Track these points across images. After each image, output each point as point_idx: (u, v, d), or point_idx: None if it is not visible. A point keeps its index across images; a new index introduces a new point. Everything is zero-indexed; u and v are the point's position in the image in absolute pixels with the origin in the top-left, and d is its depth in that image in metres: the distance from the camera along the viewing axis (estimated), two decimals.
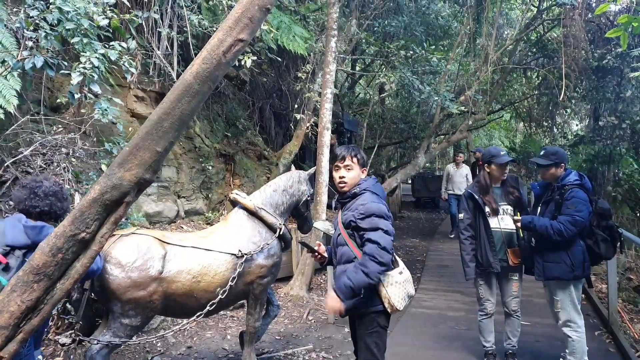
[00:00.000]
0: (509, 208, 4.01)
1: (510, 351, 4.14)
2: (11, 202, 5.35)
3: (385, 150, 17.08)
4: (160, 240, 3.37)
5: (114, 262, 3.12)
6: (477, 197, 4.00)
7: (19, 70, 3.62)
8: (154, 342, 4.55)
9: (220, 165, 8.54)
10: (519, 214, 3.92)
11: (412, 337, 4.89)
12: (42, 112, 5.57)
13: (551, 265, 3.64)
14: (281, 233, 3.86)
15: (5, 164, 5.04)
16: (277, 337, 5.00)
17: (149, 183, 1.93)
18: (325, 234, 5.44)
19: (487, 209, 3.97)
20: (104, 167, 5.07)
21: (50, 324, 3.19)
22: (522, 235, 3.91)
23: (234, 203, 3.99)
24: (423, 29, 9.25)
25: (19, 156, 5.17)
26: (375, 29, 9.28)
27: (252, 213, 3.86)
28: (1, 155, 4.95)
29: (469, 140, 16.44)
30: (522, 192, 4.07)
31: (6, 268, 2.28)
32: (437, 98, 7.78)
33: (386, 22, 9.01)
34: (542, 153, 3.89)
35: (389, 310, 2.69)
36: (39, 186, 2.54)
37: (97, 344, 3.07)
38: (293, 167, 4.66)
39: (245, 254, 3.57)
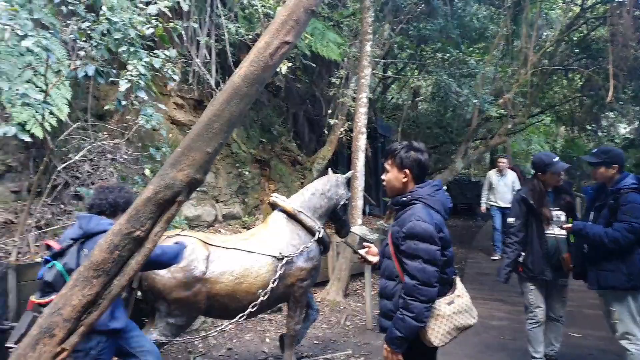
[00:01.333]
0: (561, 214, 3.88)
1: (553, 357, 4.02)
2: (62, 205, 5.60)
3: None
4: (203, 242, 3.45)
5: None
6: (531, 202, 3.87)
7: (71, 79, 3.78)
8: (196, 342, 4.64)
9: (256, 170, 8.66)
10: (570, 220, 3.79)
11: (455, 345, 4.70)
12: (89, 120, 5.81)
13: (606, 273, 3.43)
14: (320, 236, 3.88)
15: (57, 170, 5.27)
16: (315, 342, 5.01)
17: (199, 183, 1.98)
18: (361, 239, 5.44)
19: (542, 218, 3.84)
20: (147, 172, 5.22)
21: None
22: (573, 240, 3.77)
23: (273, 206, 4.04)
24: (459, 32, 9.15)
25: (69, 162, 5.39)
26: (409, 32, 9.24)
27: (291, 216, 3.90)
28: (53, 160, 5.18)
29: (507, 145, 16.07)
30: (573, 197, 3.95)
31: (61, 253, 2.59)
32: (475, 101, 7.65)
33: (421, 26, 8.96)
34: (594, 151, 3.77)
35: (431, 344, 2.31)
36: (107, 186, 2.95)
37: None
38: (330, 171, 4.68)
39: (286, 257, 3.61)
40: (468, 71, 8.05)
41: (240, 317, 3.43)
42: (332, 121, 8.57)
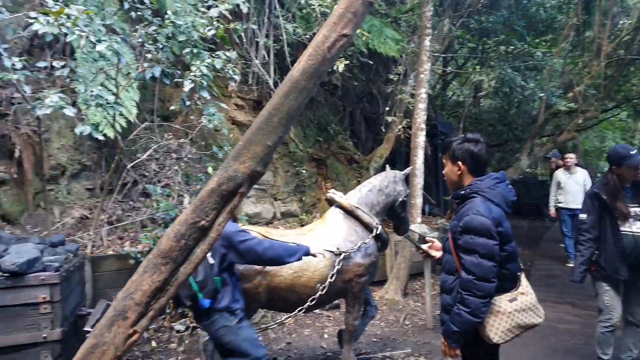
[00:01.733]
0: None
1: None
2: (131, 202, 5.92)
3: None
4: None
5: None
6: (604, 197, 3.65)
7: (139, 81, 4.00)
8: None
9: (312, 169, 8.73)
10: None
11: (520, 348, 4.56)
12: (155, 121, 6.11)
13: None
14: (378, 233, 3.85)
15: (127, 168, 5.59)
16: (374, 340, 4.98)
17: (260, 175, 2.03)
18: (421, 237, 5.34)
19: (616, 214, 3.61)
20: (210, 170, 5.41)
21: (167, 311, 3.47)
22: None
23: (331, 202, 4.05)
24: (524, 23, 8.74)
25: (137, 161, 5.70)
26: (470, 25, 8.95)
27: (349, 212, 3.90)
28: (123, 159, 5.50)
29: (577, 142, 15.18)
30: None
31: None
32: (542, 94, 7.26)
33: (483, 18, 8.65)
34: None
35: (490, 341, 2.26)
36: None
37: None
38: (388, 167, 4.63)
39: (343, 252, 3.61)
40: (534, 64, 7.65)
41: (299, 311, 3.47)
42: (389, 118, 8.47)
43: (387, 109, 8.67)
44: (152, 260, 1.92)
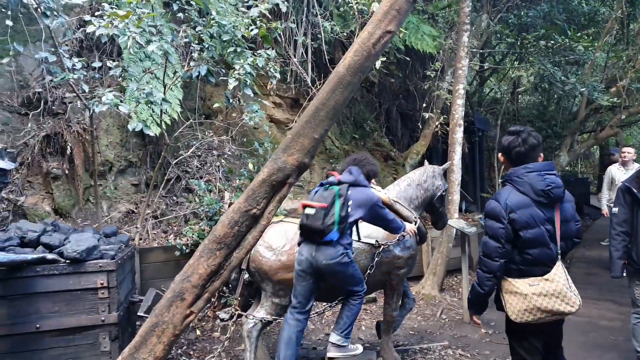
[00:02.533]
0: None
1: None
2: (174, 197, 6.17)
3: None
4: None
5: (266, 246, 3.45)
6: (636, 191, 3.64)
7: (185, 80, 4.18)
8: None
9: None
10: None
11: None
12: (197, 118, 6.34)
13: None
14: (417, 226, 3.90)
15: (171, 165, 5.83)
16: (411, 332, 5.02)
17: (306, 167, 2.14)
18: (460, 233, 5.34)
19: None
20: (250, 165, 5.58)
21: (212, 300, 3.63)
22: None
23: None
24: (565, 17, 8.54)
25: (180, 157, 5.93)
26: (509, 20, 8.81)
27: (388, 206, 3.96)
28: (167, 156, 5.74)
29: (619, 138, 14.65)
30: None
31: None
32: (583, 89, 7.08)
33: (522, 13, 8.50)
34: None
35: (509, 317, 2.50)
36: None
37: (253, 319, 3.41)
38: (427, 162, 4.66)
39: (383, 244, 3.68)
40: (575, 58, 7.46)
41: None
42: (426, 115, 8.45)
43: (424, 105, 8.65)
44: (207, 245, 2.06)
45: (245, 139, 6.68)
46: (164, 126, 5.16)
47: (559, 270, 2.45)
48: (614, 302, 5.82)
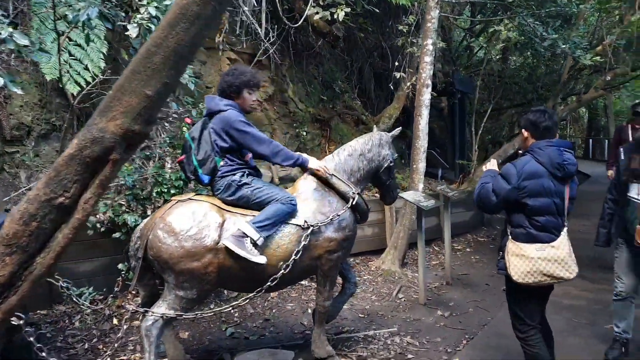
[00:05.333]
0: None
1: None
2: None
3: (506, 114, 15.31)
4: (218, 207, 3.07)
5: (167, 230, 2.88)
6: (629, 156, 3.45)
7: (76, 24, 3.44)
8: (232, 311, 4.39)
9: (315, 130, 8.17)
10: None
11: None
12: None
13: None
14: (355, 203, 3.34)
15: None
16: (360, 315, 4.57)
17: (141, 137, 1.54)
18: (418, 207, 4.80)
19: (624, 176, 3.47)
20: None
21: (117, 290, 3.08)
22: None
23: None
24: None
25: None
26: None
27: (324, 180, 3.39)
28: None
29: (608, 102, 14.06)
30: None
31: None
32: (564, 46, 6.41)
33: None
34: None
35: (511, 278, 2.71)
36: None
37: (152, 315, 2.87)
38: (375, 128, 4.08)
39: (312, 226, 3.13)
40: (556, 11, 6.71)
41: (258, 292, 3.05)
42: (398, 75, 7.73)
43: (397, 64, 7.91)
44: None
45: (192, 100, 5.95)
46: (83, 83, 4.49)
47: (564, 239, 2.69)
48: (582, 277, 5.40)
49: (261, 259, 2.89)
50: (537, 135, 2.80)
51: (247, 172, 3.16)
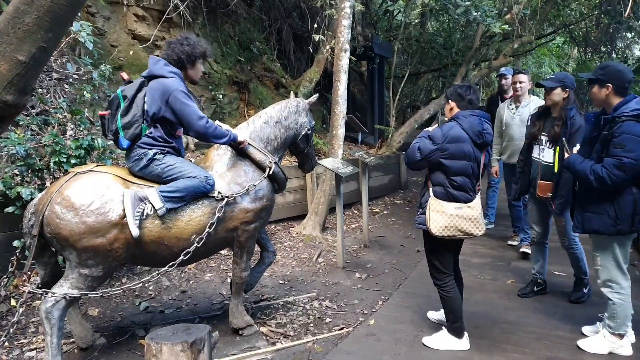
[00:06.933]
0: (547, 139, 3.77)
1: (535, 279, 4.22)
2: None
3: (423, 78, 15.77)
4: (123, 179, 2.87)
5: (65, 205, 2.65)
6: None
7: None
8: (145, 285, 4.21)
9: (233, 93, 7.89)
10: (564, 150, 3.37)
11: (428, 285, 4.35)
12: None
13: (591, 216, 3.00)
14: (272, 172, 3.28)
15: None
16: (280, 282, 4.60)
17: (15, 108, 1.35)
18: (337, 175, 4.83)
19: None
20: (86, 94, 4.54)
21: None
22: (557, 170, 3.55)
23: None
24: None
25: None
26: None
27: (238, 149, 3.28)
28: None
29: (517, 67, 14.90)
30: (568, 128, 3.54)
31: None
32: (476, 13, 6.65)
33: None
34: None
35: (430, 231, 2.99)
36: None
37: (52, 296, 2.67)
38: (292, 95, 3.99)
39: (226, 197, 3.03)
40: None
41: (170, 266, 2.92)
42: (317, 37, 7.60)
43: (316, 25, 7.76)
44: None
45: (94, 61, 5.44)
46: None
47: (477, 201, 3.07)
48: (489, 236, 5.84)
49: (135, 232, 2.70)
50: (461, 106, 3.11)
51: (166, 151, 2.98)
